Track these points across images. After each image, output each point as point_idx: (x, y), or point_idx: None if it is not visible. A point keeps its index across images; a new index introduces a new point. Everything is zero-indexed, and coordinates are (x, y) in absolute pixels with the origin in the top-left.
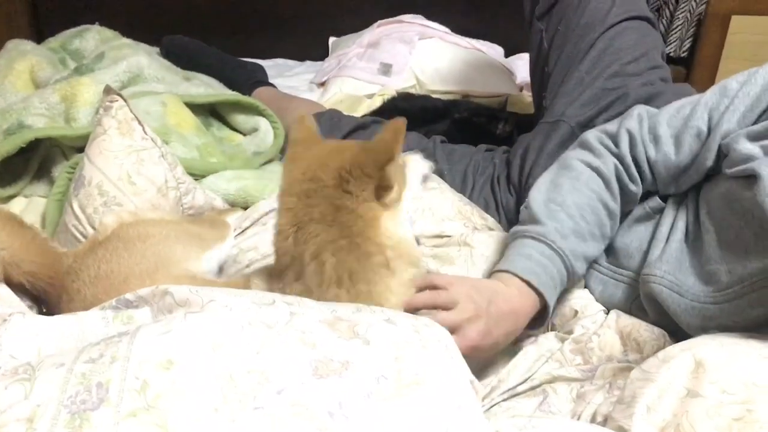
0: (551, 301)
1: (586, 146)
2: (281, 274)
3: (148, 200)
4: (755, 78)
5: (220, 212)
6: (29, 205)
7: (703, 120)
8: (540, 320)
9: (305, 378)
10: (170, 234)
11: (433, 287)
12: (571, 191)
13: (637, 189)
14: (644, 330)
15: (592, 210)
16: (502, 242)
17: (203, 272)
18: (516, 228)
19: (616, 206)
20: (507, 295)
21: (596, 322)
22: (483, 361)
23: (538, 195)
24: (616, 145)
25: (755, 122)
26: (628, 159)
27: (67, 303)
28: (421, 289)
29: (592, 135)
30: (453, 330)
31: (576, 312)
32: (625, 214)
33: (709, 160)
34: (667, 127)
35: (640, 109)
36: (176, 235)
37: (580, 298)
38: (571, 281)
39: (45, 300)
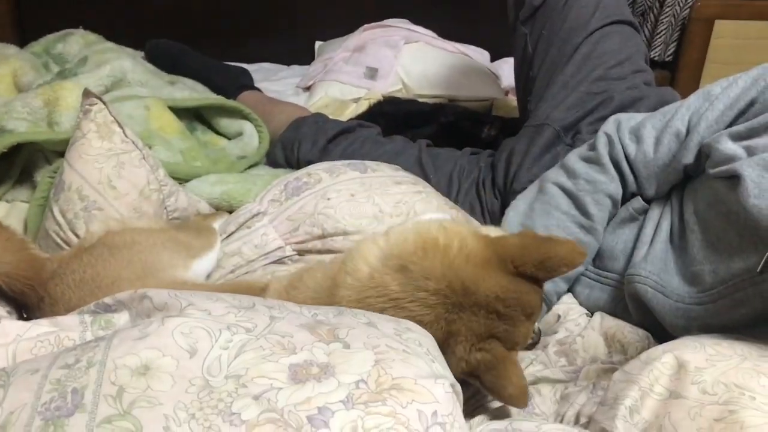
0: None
1: (564, 167)
2: None
3: (129, 204)
4: (737, 82)
5: (205, 217)
6: (11, 210)
7: (683, 122)
8: None
9: (283, 383)
10: (157, 242)
11: None
12: (542, 215)
13: (616, 189)
14: (628, 332)
15: (564, 230)
16: None
17: (192, 280)
18: None
19: (591, 222)
20: None
21: (579, 324)
22: None
23: (514, 217)
24: (593, 148)
25: (732, 122)
26: (606, 159)
27: (50, 306)
28: None
29: (572, 156)
30: None
31: (558, 317)
32: (609, 218)
33: (687, 159)
34: (651, 129)
35: (618, 116)
36: (163, 243)
37: (563, 303)
38: (548, 304)
39: (25, 304)
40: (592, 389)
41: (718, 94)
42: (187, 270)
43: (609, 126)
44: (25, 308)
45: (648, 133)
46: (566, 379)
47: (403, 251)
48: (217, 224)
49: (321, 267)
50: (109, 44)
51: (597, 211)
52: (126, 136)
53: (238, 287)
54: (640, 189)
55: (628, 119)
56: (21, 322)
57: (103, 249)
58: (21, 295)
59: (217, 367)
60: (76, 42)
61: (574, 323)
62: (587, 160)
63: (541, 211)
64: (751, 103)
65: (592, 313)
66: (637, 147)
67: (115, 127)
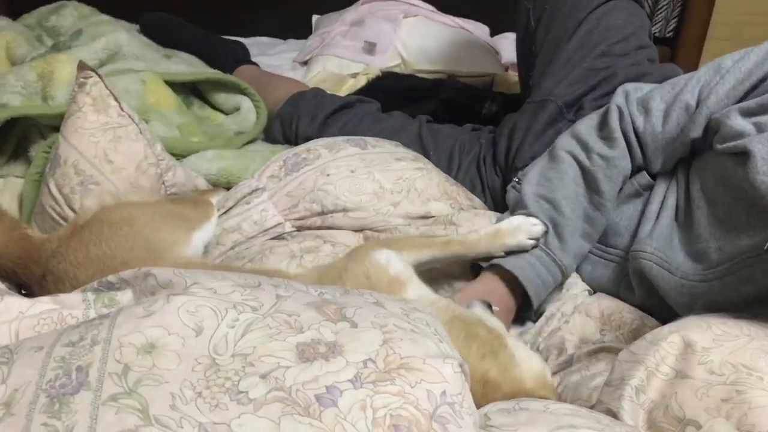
0: (534, 296)
1: (577, 137)
2: None
3: (126, 178)
4: (749, 55)
5: (203, 192)
6: (6, 185)
7: (693, 95)
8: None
9: (291, 362)
10: (155, 216)
11: None
12: (560, 185)
13: (627, 165)
14: (627, 312)
15: (580, 203)
16: (486, 221)
17: (194, 255)
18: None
19: (601, 199)
20: (498, 296)
21: (566, 313)
22: None
23: (528, 188)
24: (605, 122)
25: (743, 97)
26: (618, 134)
27: (55, 284)
28: None
29: (585, 126)
30: None
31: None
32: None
33: (695, 132)
34: (660, 101)
35: (626, 86)
36: (162, 217)
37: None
38: (564, 275)
39: (21, 284)
40: (585, 369)
41: (729, 68)
42: (189, 245)
43: (619, 98)
44: (23, 287)
45: (657, 105)
46: (560, 370)
47: None
48: (214, 199)
49: None
50: (104, 17)
51: (608, 189)
52: (122, 109)
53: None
54: (646, 163)
55: (636, 89)
56: (23, 300)
57: (102, 226)
58: (13, 275)
59: (223, 346)
60: (69, 14)
61: (561, 302)
62: (600, 135)
63: (558, 181)
64: (764, 79)
65: (594, 291)
66: (645, 119)
67: (111, 100)
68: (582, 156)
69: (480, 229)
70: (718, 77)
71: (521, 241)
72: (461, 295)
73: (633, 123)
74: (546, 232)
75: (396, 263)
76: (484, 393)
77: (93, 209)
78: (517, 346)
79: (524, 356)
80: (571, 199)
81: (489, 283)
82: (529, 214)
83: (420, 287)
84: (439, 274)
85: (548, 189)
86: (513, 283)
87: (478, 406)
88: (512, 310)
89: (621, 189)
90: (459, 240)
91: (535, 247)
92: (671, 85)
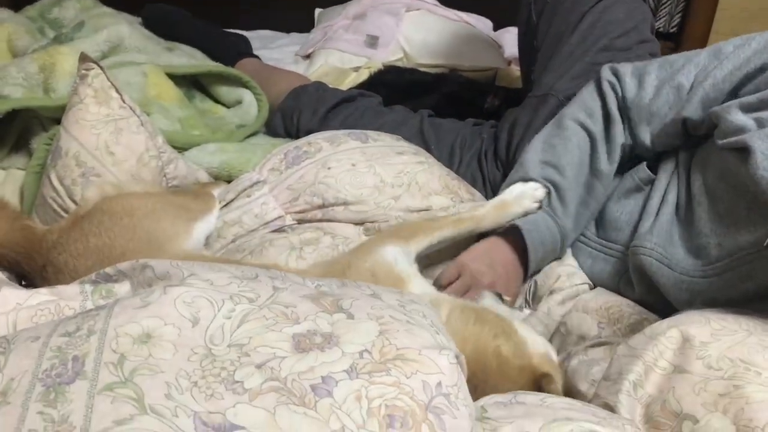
0: (531, 248)
1: (584, 105)
2: None
3: (128, 170)
4: (750, 42)
5: (204, 185)
6: (7, 177)
7: (688, 78)
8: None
9: (286, 352)
10: (156, 207)
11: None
12: (564, 152)
13: (627, 139)
14: (626, 306)
15: (582, 170)
16: None
17: (195, 247)
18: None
19: (605, 167)
20: (501, 253)
21: (566, 305)
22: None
23: (533, 155)
24: (604, 99)
25: (740, 83)
26: (615, 111)
27: (55, 275)
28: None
29: (589, 94)
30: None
31: (559, 276)
32: (615, 186)
33: (688, 112)
34: (654, 78)
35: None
36: (163, 207)
37: (566, 265)
38: (563, 241)
39: (22, 274)
40: (583, 354)
41: (728, 54)
42: (190, 236)
43: (606, 73)
44: (24, 278)
45: (650, 81)
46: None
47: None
48: (216, 192)
49: None
50: (106, 9)
51: (608, 164)
52: (124, 101)
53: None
54: (633, 136)
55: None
56: (21, 291)
57: (103, 216)
58: (15, 265)
59: (219, 336)
60: (71, 6)
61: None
62: (603, 110)
63: (562, 148)
64: (762, 69)
65: (593, 283)
66: (637, 90)
67: (113, 92)
68: (588, 122)
69: (485, 203)
70: (717, 62)
71: (527, 206)
72: (465, 255)
73: (623, 90)
74: (549, 193)
75: (402, 261)
76: (497, 367)
77: (94, 200)
78: (523, 327)
79: (530, 336)
80: (575, 165)
81: (492, 241)
82: (527, 180)
83: (423, 284)
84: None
85: (552, 155)
86: (515, 240)
87: (492, 380)
88: (518, 269)
89: (620, 184)
90: (468, 216)
91: (539, 209)
92: (669, 63)
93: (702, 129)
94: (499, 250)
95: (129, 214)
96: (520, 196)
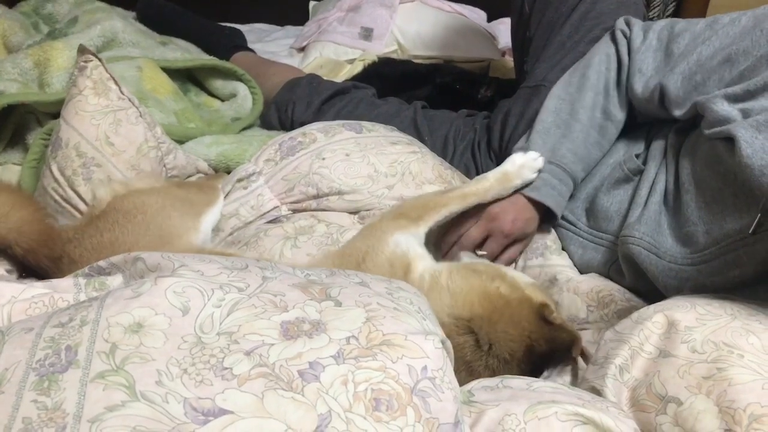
0: (556, 206)
1: (597, 49)
2: None
3: (127, 161)
4: (741, 19)
5: (209, 178)
6: (3, 172)
7: (679, 47)
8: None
9: (275, 339)
10: (166, 203)
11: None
12: (578, 97)
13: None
14: (616, 291)
15: (595, 116)
16: None
17: (203, 240)
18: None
19: (617, 112)
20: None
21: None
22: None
23: (549, 102)
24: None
25: (721, 65)
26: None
27: (69, 265)
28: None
29: (604, 39)
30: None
31: (556, 279)
32: (604, 177)
33: (666, 80)
34: (655, 37)
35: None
36: (172, 203)
37: (557, 265)
38: (575, 184)
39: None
40: None
41: (722, 25)
42: (198, 231)
43: (620, 23)
44: (25, 270)
45: (650, 38)
46: None
47: (473, 315)
48: (220, 184)
49: None
50: (100, 4)
51: (620, 111)
52: (122, 93)
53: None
54: (629, 88)
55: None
56: (16, 284)
57: (117, 214)
58: (29, 253)
59: (209, 325)
60: (65, 1)
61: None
62: (616, 56)
63: (577, 89)
64: (746, 53)
65: (584, 273)
66: (639, 44)
67: (111, 84)
68: (602, 67)
69: (487, 174)
70: (709, 32)
71: (527, 177)
72: (486, 215)
73: (630, 39)
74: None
75: (413, 247)
76: (503, 305)
77: (106, 200)
78: (510, 270)
79: (516, 273)
80: (588, 108)
81: (513, 199)
82: (526, 150)
83: (426, 259)
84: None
85: (567, 93)
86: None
87: (500, 319)
88: (535, 217)
89: (610, 174)
90: (473, 191)
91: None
92: (671, 26)
93: (680, 110)
94: (519, 203)
95: (141, 211)
96: (522, 168)
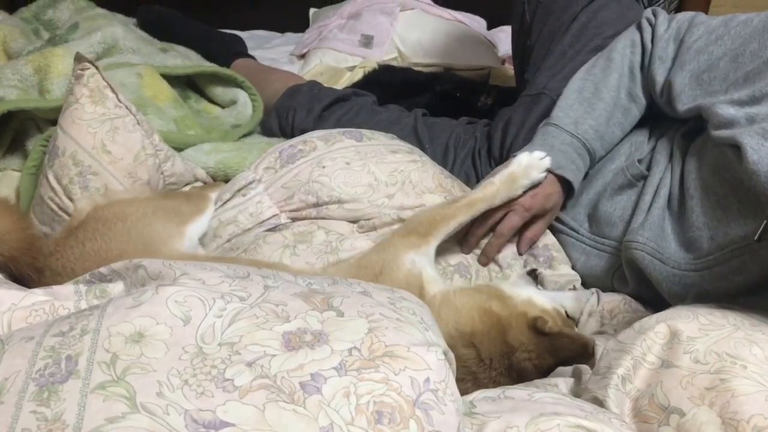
0: (575, 180)
1: (624, 34)
2: None
3: (124, 168)
4: (753, 20)
5: (203, 188)
6: (3, 178)
7: (693, 38)
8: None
9: (276, 350)
10: (147, 211)
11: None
12: (603, 78)
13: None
14: (621, 302)
15: (619, 96)
16: None
17: (189, 247)
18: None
19: (641, 94)
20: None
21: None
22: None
23: (571, 83)
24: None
25: (728, 67)
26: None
27: (51, 278)
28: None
29: (631, 27)
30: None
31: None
32: (607, 183)
33: (674, 75)
34: (676, 30)
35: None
36: (154, 212)
37: (562, 276)
38: (592, 161)
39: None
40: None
41: (737, 23)
42: (183, 237)
43: (647, 12)
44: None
45: (673, 26)
46: None
47: (474, 330)
48: (214, 194)
49: None
50: (101, 10)
51: (642, 95)
52: (119, 101)
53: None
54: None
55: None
56: (16, 291)
57: (97, 224)
58: (11, 260)
59: (210, 335)
60: (66, 8)
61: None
62: (641, 42)
63: (602, 71)
64: (751, 55)
65: (586, 279)
66: (663, 31)
67: (108, 92)
68: (627, 50)
69: (493, 179)
70: (723, 30)
71: (534, 177)
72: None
73: (655, 26)
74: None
75: (426, 269)
76: (496, 322)
77: (86, 210)
78: (508, 285)
79: (514, 290)
80: (612, 88)
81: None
82: (532, 150)
83: (438, 283)
84: None
85: (591, 74)
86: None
87: (497, 334)
88: (556, 192)
89: (613, 181)
90: (480, 197)
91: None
92: (689, 18)
93: (682, 106)
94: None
95: (122, 219)
96: (528, 168)
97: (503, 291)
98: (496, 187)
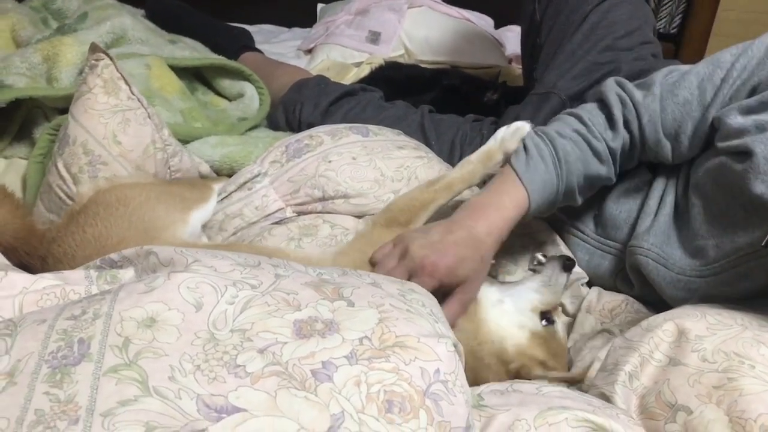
0: (534, 195)
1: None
2: None
3: (133, 160)
4: (750, 50)
5: (206, 179)
6: (9, 166)
7: (691, 89)
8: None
9: (288, 338)
10: (150, 195)
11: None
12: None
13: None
14: (625, 304)
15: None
16: None
17: (191, 234)
18: None
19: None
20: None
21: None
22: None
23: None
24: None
25: (747, 96)
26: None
27: (54, 265)
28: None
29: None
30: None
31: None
32: (614, 185)
33: (701, 129)
34: (659, 86)
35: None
36: (157, 196)
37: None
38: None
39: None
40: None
41: (731, 63)
42: (186, 224)
43: (611, 84)
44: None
45: (657, 90)
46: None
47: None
48: (217, 186)
49: None
50: (109, 0)
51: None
52: (132, 93)
53: None
54: (647, 139)
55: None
56: (27, 275)
57: (98, 208)
58: (9, 249)
59: (222, 321)
60: None
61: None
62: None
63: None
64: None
65: (590, 279)
66: (644, 95)
67: (122, 83)
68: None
69: (470, 157)
70: (720, 72)
71: (510, 148)
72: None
73: (632, 98)
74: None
75: None
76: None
77: (88, 195)
78: (488, 324)
79: (490, 329)
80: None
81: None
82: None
83: None
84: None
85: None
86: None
87: (477, 367)
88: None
89: (620, 183)
90: (458, 177)
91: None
92: (665, 74)
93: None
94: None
95: (124, 204)
96: (503, 141)
97: (486, 331)
98: (472, 165)
